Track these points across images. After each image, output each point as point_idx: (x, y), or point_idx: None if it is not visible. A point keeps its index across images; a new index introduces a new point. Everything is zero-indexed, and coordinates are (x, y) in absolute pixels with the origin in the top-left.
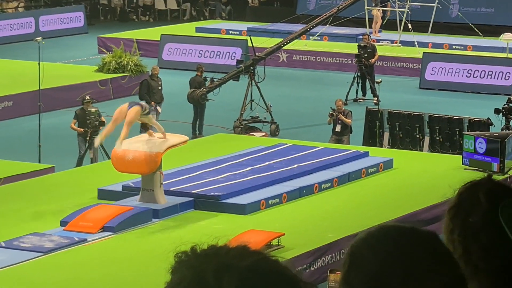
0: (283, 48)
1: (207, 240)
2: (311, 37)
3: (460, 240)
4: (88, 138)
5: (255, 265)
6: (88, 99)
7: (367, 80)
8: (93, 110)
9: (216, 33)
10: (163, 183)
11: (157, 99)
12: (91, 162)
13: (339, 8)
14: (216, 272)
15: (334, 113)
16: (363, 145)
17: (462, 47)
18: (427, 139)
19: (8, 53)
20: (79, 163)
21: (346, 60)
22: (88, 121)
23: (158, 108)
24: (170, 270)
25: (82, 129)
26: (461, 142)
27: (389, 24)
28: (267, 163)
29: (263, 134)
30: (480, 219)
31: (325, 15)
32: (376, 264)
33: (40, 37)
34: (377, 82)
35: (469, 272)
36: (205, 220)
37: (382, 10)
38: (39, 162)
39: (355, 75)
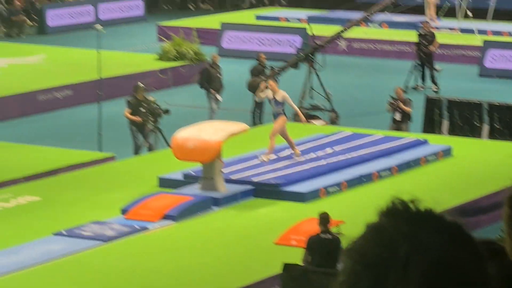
0: (342, 36)
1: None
2: (370, 25)
3: None
4: (151, 126)
5: (457, 260)
6: (141, 85)
7: (426, 68)
8: (151, 99)
9: (276, 20)
10: (223, 171)
11: (217, 88)
12: (149, 150)
13: None
14: (409, 250)
15: (394, 102)
16: (422, 133)
17: None
18: (486, 127)
19: (68, 42)
20: (136, 152)
21: (405, 48)
22: (147, 109)
23: (218, 96)
24: (381, 210)
25: (139, 118)
26: None
27: (449, 12)
28: (326, 151)
29: (323, 122)
30: None
31: (385, 2)
32: None
33: (100, 26)
34: (436, 70)
35: None
36: (265, 208)
37: None
38: (100, 150)
39: (415, 63)
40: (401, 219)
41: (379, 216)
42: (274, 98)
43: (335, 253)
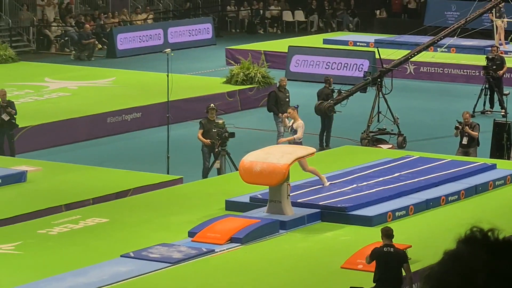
0: (410, 60)
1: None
2: (438, 49)
3: None
4: (217, 150)
5: None
6: (212, 106)
7: (495, 92)
8: (220, 121)
9: (344, 44)
10: (290, 194)
11: (284, 111)
12: (218, 174)
13: (467, 19)
14: (487, 278)
15: (460, 126)
16: (490, 157)
17: None
18: None
19: (137, 65)
20: (205, 174)
21: (473, 72)
22: (216, 132)
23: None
24: (459, 238)
25: (209, 141)
26: None
27: None
28: (394, 175)
29: (390, 146)
30: None
31: (453, 26)
32: None
33: (169, 49)
34: (505, 94)
35: None
36: (331, 232)
37: (507, 21)
38: (168, 173)
39: (483, 87)
40: (479, 247)
41: (457, 243)
42: (292, 126)
43: (399, 266)
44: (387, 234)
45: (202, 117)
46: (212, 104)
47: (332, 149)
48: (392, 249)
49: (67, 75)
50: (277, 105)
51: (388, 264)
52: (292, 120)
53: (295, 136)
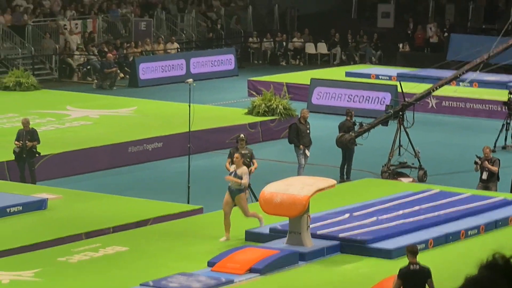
0: (432, 94)
1: None
2: (461, 83)
3: None
4: None
5: None
6: (242, 137)
7: None
8: (243, 152)
9: (366, 77)
10: (310, 226)
11: (305, 143)
12: None
13: (490, 54)
14: None
15: (479, 161)
16: (511, 192)
17: None
18: None
19: (159, 95)
20: None
21: (495, 107)
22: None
23: (307, 151)
24: (481, 263)
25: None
26: None
27: None
28: (414, 208)
29: (411, 179)
30: None
31: (476, 61)
32: None
33: (191, 79)
34: None
35: None
36: (351, 264)
37: None
38: (188, 203)
39: (504, 122)
40: (500, 273)
41: (479, 268)
42: (235, 171)
43: (424, 282)
44: (413, 251)
45: (223, 147)
46: (242, 135)
47: (353, 182)
48: (417, 266)
49: (89, 103)
50: (298, 137)
51: (415, 281)
52: (235, 166)
53: (242, 181)
